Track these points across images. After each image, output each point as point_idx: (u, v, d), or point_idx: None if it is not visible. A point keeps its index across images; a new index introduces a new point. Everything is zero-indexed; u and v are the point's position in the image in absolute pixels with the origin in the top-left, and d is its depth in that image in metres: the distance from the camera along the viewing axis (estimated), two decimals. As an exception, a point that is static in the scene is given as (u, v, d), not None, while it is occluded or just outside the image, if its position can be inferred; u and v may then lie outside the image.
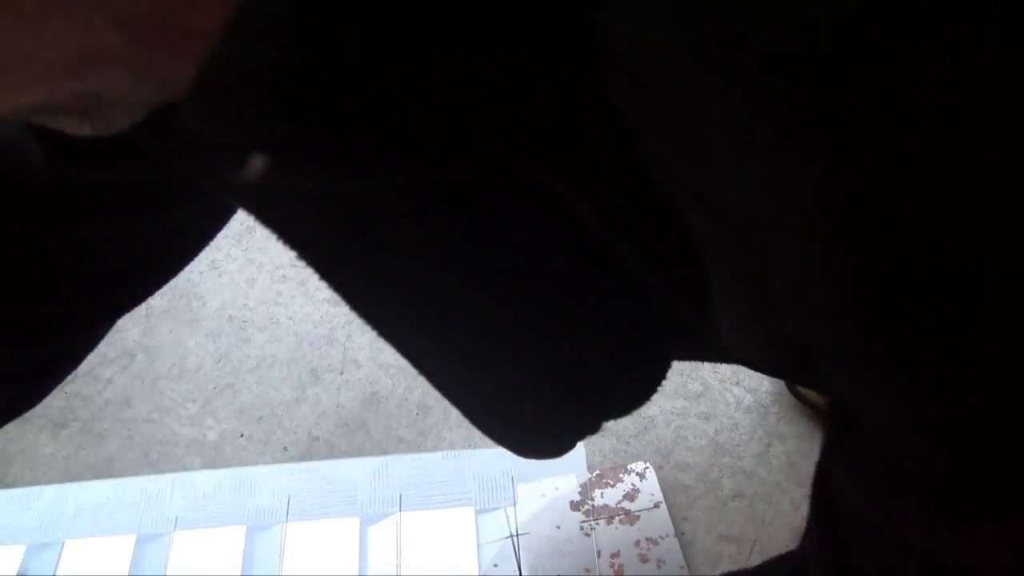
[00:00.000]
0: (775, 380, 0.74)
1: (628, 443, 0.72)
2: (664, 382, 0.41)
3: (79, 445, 0.74)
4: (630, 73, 0.21)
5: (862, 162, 0.18)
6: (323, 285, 0.41)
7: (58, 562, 0.61)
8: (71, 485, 0.67)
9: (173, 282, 0.85)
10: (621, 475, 0.68)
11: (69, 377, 0.79)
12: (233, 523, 0.63)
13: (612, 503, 0.66)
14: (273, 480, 0.66)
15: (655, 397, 0.73)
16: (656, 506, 0.67)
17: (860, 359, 0.22)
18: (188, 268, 0.86)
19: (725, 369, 0.75)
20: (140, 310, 0.83)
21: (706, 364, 0.76)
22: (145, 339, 0.81)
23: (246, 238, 0.86)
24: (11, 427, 0.76)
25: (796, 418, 0.73)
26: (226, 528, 0.63)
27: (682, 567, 0.63)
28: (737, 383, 0.75)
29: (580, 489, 0.67)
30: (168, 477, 0.67)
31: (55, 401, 0.77)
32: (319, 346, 0.79)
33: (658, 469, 0.70)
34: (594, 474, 0.68)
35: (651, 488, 0.68)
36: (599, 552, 0.63)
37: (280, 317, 0.81)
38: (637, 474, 0.69)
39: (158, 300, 0.83)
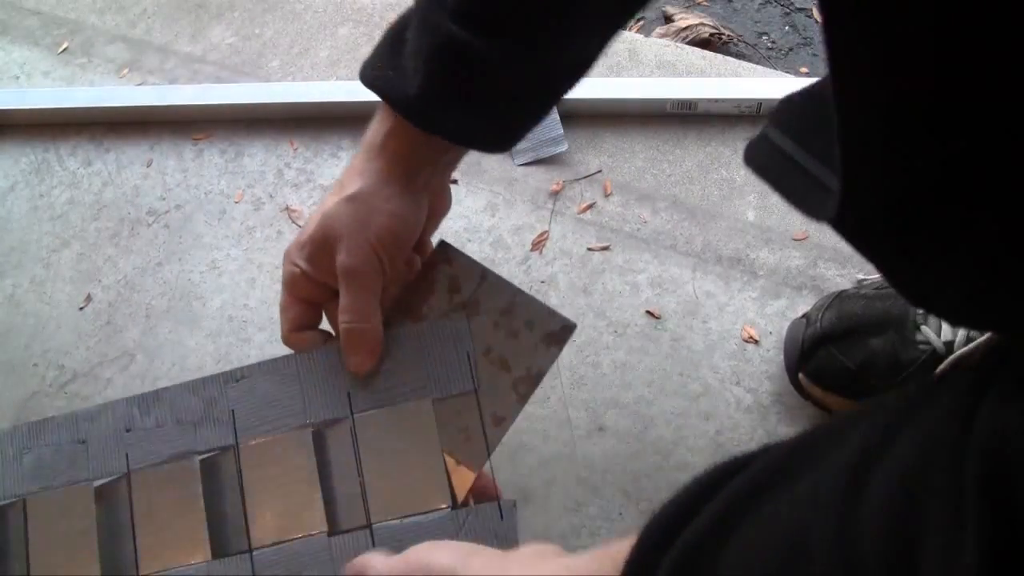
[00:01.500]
0: (775, 380, 0.74)
1: (628, 443, 0.72)
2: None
3: (79, 445, 0.74)
4: None
5: None
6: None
7: (26, 520, 0.59)
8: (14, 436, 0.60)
9: (173, 282, 0.85)
10: (432, 275, 0.58)
11: (69, 377, 0.79)
12: (185, 456, 0.58)
13: (445, 306, 0.57)
14: (215, 401, 0.59)
15: (655, 396, 0.74)
16: (483, 277, 0.57)
17: None
18: (188, 268, 0.86)
19: (725, 369, 0.75)
20: (140, 310, 0.84)
21: (705, 364, 0.76)
22: (145, 339, 0.81)
23: (246, 238, 0.86)
24: (11, 427, 0.77)
25: (796, 418, 0.73)
26: (179, 462, 0.58)
27: (551, 314, 0.56)
28: (737, 383, 0.75)
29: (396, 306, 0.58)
30: (108, 420, 0.59)
31: (55, 401, 0.77)
32: (319, 346, 0.79)
33: (658, 469, 0.70)
34: (404, 289, 0.58)
35: (467, 265, 0.57)
36: (468, 354, 0.56)
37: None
38: (445, 262, 0.58)
39: (158, 300, 0.83)
